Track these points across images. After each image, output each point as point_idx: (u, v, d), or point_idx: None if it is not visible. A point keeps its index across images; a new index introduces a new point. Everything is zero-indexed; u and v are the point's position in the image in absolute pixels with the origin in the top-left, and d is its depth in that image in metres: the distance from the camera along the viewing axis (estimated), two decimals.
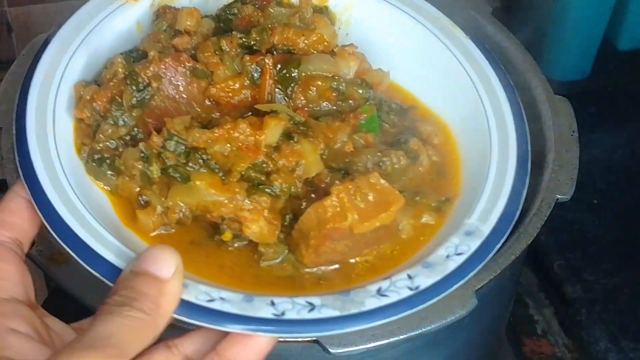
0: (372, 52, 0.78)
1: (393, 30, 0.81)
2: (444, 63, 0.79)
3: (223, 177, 0.66)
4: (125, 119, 0.69)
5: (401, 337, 0.63)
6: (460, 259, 0.64)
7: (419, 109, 0.79)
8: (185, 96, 0.71)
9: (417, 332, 0.64)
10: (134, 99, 0.69)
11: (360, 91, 0.73)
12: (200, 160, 0.66)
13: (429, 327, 0.64)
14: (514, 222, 0.68)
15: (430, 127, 0.76)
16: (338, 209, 0.64)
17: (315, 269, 0.66)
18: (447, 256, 0.64)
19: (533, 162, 0.78)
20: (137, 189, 0.68)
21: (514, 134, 0.73)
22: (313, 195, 0.67)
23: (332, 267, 0.66)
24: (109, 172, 0.69)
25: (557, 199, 0.73)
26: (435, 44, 0.79)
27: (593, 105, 1.11)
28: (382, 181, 0.65)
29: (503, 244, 0.70)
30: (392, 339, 0.63)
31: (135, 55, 0.73)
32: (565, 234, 1.01)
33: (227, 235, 0.66)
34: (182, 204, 0.66)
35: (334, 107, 0.73)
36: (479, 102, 0.76)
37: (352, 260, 0.66)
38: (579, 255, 1.00)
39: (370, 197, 0.65)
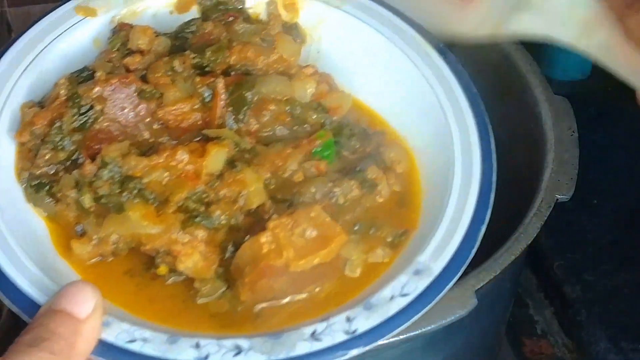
0: (343, 71, 0.76)
1: (365, 49, 0.77)
2: (414, 86, 0.74)
3: (158, 208, 0.62)
4: (65, 143, 0.66)
5: (401, 337, 0.63)
6: (404, 301, 0.60)
7: (386, 134, 0.74)
8: (132, 119, 0.68)
9: (416, 332, 0.64)
10: (75, 122, 0.66)
11: (316, 116, 0.70)
12: (135, 190, 0.63)
13: (429, 328, 0.64)
14: (467, 262, 0.63)
15: (395, 153, 0.71)
16: (273, 245, 0.61)
17: (253, 306, 0.62)
18: (392, 297, 0.60)
19: (533, 163, 0.78)
20: (74, 218, 0.65)
21: (478, 167, 0.69)
22: (257, 228, 0.63)
23: (271, 304, 0.62)
24: (48, 199, 0.66)
25: (557, 199, 0.73)
26: (408, 65, 0.75)
27: (593, 105, 1.11)
28: (324, 215, 0.62)
29: (503, 244, 0.70)
30: (391, 339, 0.63)
31: (85, 75, 0.69)
32: (565, 235, 1.01)
33: (163, 269, 0.63)
34: (116, 235, 0.63)
35: (289, 132, 0.69)
36: (447, 129, 0.71)
37: (293, 298, 0.62)
38: (578, 256, 1.00)
39: (309, 233, 0.61)
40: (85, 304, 0.54)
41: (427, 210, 0.68)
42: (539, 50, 0.99)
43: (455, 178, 0.67)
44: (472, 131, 0.70)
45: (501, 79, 0.86)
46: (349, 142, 0.71)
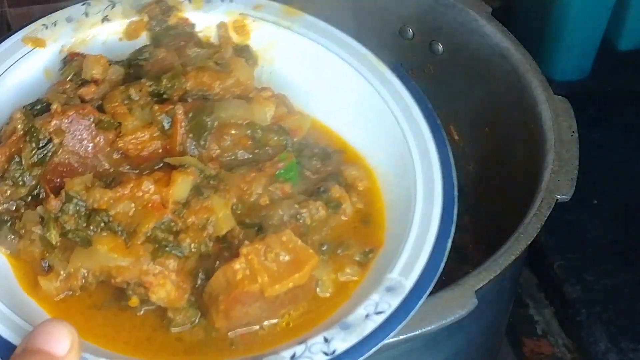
0: (298, 91, 0.75)
1: (318, 69, 0.76)
2: (369, 103, 0.74)
3: (126, 240, 0.61)
4: (26, 179, 0.64)
5: (401, 337, 0.63)
6: (380, 319, 0.60)
7: (345, 153, 0.73)
8: (91, 150, 0.66)
9: (416, 333, 0.64)
10: (35, 156, 0.64)
11: (277, 138, 0.69)
12: (102, 223, 0.61)
13: (429, 328, 0.64)
14: (438, 275, 0.63)
15: (356, 171, 0.71)
16: (247, 271, 0.60)
17: (228, 333, 0.61)
18: (367, 315, 0.60)
19: (533, 163, 0.78)
20: (39, 253, 0.63)
21: (439, 181, 0.68)
22: (227, 254, 0.63)
23: (246, 331, 0.61)
24: (10, 236, 0.64)
25: (557, 199, 0.73)
26: (362, 84, 0.74)
27: (593, 105, 1.11)
28: (295, 239, 0.61)
29: (503, 244, 0.70)
30: (391, 340, 0.63)
31: (40, 108, 0.68)
32: (565, 234, 1.01)
33: (134, 301, 0.62)
34: (84, 270, 0.62)
35: (251, 156, 0.69)
36: (405, 145, 0.71)
37: (268, 322, 0.62)
38: (579, 256, 1.00)
39: (282, 257, 0.61)
40: (62, 342, 0.52)
41: (392, 227, 0.68)
42: (539, 50, 0.99)
43: (417, 193, 0.67)
44: (430, 146, 0.70)
45: (501, 79, 0.86)
46: (310, 163, 0.70)
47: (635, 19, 1.15)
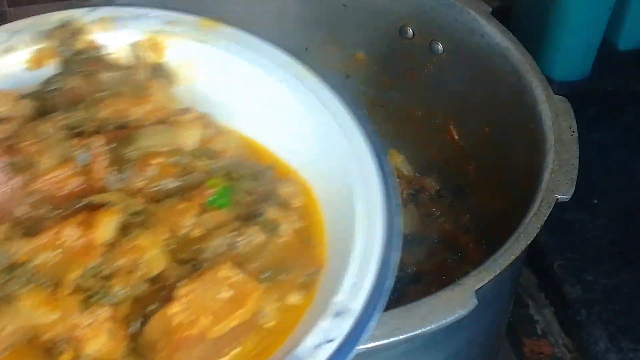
0: (222, 108, 0.69)
1: (241, 83, 0.70)
2: (297, 113, 0.68)
3: (53, 292, 0.56)
4: None
5: (401, 337, 0.63)
6: (332, 347, 0.55)
7: (277, 168, 0.68)
8: (7, 195, 0.60)
9: (416, 332, 0.64)
10: None
11: (205, 162, 0.64)
12: (24, 276, 0.56)
13: (429, 327, 0.64)
14: (387, 294, 0.58)
15: (290, 187, 0.66)
16: (186, 314, 0.55)
17: None
18: (318, 345, 0.56)
19: (533, 163, 0.78)
20: None
21: (379, 192, 0.63)
22: (163, 294, 0.58)
23: None
24: None
25: (557, 199, 0.73)
26: (286, 93, 0.69)
27: (593, 105, 1.11)
28: (234, 272, 0.57)
29: (503, 244, 0.70)
30: (391, 339, 0.63)
31: None
32: (565, 234, 1.01)
33: (66, 358, 0.56)
34: (9, 328, 0.56)
35: (179, 184, 0.63)
36: (339, 154, 0.65)
37: None
38: (579, 256, 1.00)
39: (223, 294, 0.56)
40: None
41: (334, 245, 0.63)
42: (539, 50, 0.99)
43: (357, 205, 0.62)
44: (366, 153, 0.65)
45: (501, 79, 0.86)
46: (242, 185, 0.65)
47: (635, 19, 1.15)
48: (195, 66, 0.71)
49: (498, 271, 0.68)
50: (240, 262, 0.59)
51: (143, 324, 0.57)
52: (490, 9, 0.89)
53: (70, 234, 0.57)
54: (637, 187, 1.06)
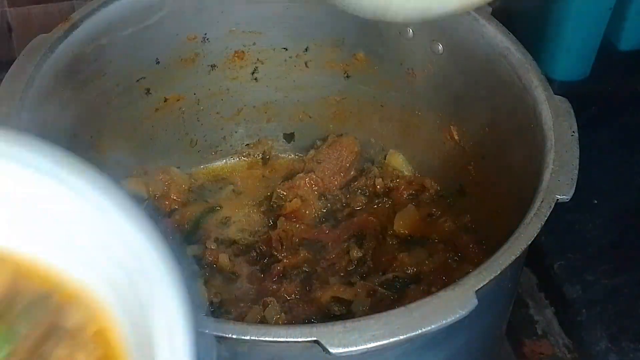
0: None
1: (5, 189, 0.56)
2: (74, 219, 0.55)
3: None
4: None
5: (401, 337, 0.63)
6: None
7: (59, 291, 0.55)
8: None
9: (417, 332, 0.64)
10: None
11: None
12: None
13: (429, 327, 0.64)
14: None
15: (80, 313, 0.55)
16: None
17: None
18: None
19: (533, 163, 0.78)
20: None
21: (179, 299, 0.51)
22: None
23: None
24: None
25: (557, 199, 0.73)
26: (64, 197, 0.55)
27: (593, 105, 1.11)
28: None
29: (503, 244, 0.70)
30: (392, 339, 0.63)
31: None
32: (565, 234, 1.01)
33: None
34: None
35: None
36: (129, 261, 0.54)
37: None
38: (579, 256, 1.00)
39: None
40: None
41: None
42: (539, 50, 0.99)
43: (154, 318, 0.52)
44: (158, 258, 0.53)
45: (501, 79, 0.86)
46: (19, 325, 0.53)
47: (635, 19, 1.15)
48: None
49: (498, 271, 0.68)
50: None
51: None
52: (491, 9, 0.89)
53: None
54: (637, 187, 1.06)
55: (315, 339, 0.61)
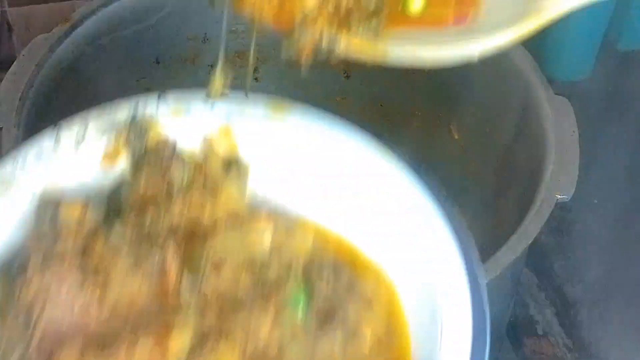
0: (293, 197, 0.64)
1: (315, 170, 0.64)
2: (379, 202, 0.62)
3: None
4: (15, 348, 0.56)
5: None
6: None
7: (357, 263, 0.62)
8: (77, 311, 0.59)
9: None
10: (17, 328, 0.56)
11: (279, 264, 0.60)
12: None
13: None
14: None
15: (371, 285, 0.61)
16: None
17: None
18: None
19: (533, 163, 0.78)
20: None
21: (467, 290, 0.57)
22: None
23: None
24: None
25: (557, 199, 0.73)
26: (366, 178, 0.63)
27: (593, 105, 1.11)
28: None
29: (503, 244, 0.70)
30: None
31: (18, 267, 0.60)
32: (566, 234, 1.01)
33: None
34: None
35: (253, 289, 0.59)
36: (422, 246, 0.60)
37: None
38: (579, 256, 1.00)
39: None
40: None
41: (417, 349, 0.58)
42: (539, 50, 0.99)
43: (442, 307, 0.57)
44: (453, 249, 0.59)
45: (501, 78, 0.86)
46: (320, 285, 0.60)
47: (635, 19, 1.15)
48: (267, 155, 0.65)
49: (498, 271, 0.68)
50: None
51: None
52: None
53: (143, 351, 0.55)
54: (637, 187, 1.06)
55: None
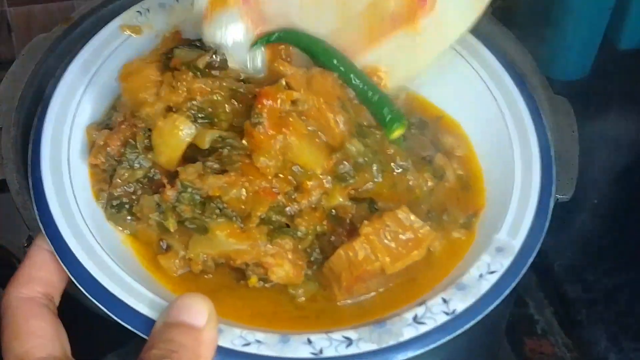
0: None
1: None
2: (463, 73, 0.78)
3: (241, 225, 0.63)
4: (141, 162, 0.67)
5: None
6: (494, 278, 0.63)
7: (442, 120, 0.77)
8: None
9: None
10: (147, 140, 0.66)
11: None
12: (217, 210, 0.63)
13: None
14: (544, 234, 0.67)
15: (452, 138, 0.75)
16: (368, 250, 0.62)
17: (349, 300, 0.64)
18: (480, 275, 0.63)
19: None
20: (157, 236, 0.66)
21: (535, 141, 0.73)
22: (340, 229, 0.65)
23: (366, 297, 0.65)
24: (129, 217, 0.67)
25: (557, 199, 0.73)
26: (453, 54, 0.78)
27: (593, 105, 1.11)
28: (412, 217, 0.64)
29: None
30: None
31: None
32: (565, 234, 1.01)
33: (253, 281, 0.65)
34: (203, 255, 0.64)
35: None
36: (498, 111, 0.75)
37: (386, 287, 0.65)
38: (579, 255, 1.00)
39: (401, 236, 0.63)
40: (201, 313, 0.55)
41: (491, 190, 0.72)
42: (539, 50, 0.99)
43: (515, 157, 0.71)
44: (523, 108, 0.74)
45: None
46: (409, 132, 0.72)
47: (635, 18, 1.15)
48: None
49: None
50: (411, 204, 0.66)
51: (321, 254, 0.65)
52: (491, 9, 0.89)
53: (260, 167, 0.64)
54: (638, 187, 1.06)
55: None
